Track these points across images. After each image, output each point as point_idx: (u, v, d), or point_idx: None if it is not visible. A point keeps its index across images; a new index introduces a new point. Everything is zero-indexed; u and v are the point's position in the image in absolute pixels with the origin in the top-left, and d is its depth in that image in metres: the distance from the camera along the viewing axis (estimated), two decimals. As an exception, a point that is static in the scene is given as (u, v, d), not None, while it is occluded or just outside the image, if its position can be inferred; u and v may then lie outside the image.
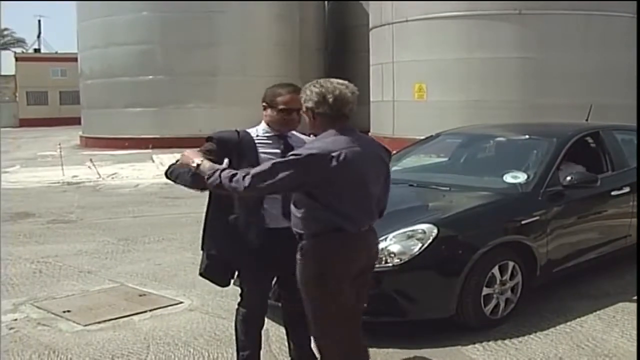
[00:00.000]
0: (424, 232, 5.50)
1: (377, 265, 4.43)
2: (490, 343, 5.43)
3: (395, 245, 5.43)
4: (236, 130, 4.43)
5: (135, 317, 6.24)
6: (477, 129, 9.12)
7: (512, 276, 5.93)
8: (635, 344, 5.38)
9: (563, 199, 6.45)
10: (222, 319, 6.08)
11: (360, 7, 31.31)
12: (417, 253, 5.36)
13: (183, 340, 5.62)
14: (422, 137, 8.69)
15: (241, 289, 4.53)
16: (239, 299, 4.55)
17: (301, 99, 4.00)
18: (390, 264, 5.36)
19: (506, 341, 5.46)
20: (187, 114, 27.06)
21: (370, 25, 25.75)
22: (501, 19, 21.07)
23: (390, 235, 5.43)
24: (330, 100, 3.85)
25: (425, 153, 8.27)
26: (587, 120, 8.67)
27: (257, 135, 4.39)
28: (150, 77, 28.21)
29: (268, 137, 4.38)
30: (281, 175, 3.72)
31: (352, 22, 32.34)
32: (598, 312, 6.14)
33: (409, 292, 5.49)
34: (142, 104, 28.02)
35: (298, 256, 3.95)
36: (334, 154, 3.74)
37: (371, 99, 24.63)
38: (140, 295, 6.90)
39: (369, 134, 20.11)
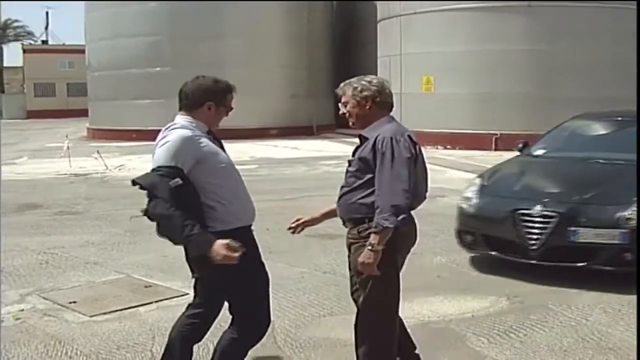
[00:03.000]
0: None
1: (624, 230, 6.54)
2: (495, 335, 5.43)
3: None
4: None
5: (141, 308, 6.26)
6: (609, 114, 9.98)
7: None
8: (640, 337, 5.38)
9: None
10: (226, 309, 6.07)
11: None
12: None
13: (188, 331, 5.61)
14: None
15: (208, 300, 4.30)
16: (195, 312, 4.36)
17: (350, 90, 4.24)
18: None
19: (511, 334, 5.46)
20: (195, 106, 27.03)
21: (378, 18, 25.71)
22: (510, 11, 21.01)
23: None
24: (387, 90, 4.26)
25: (560, 137, 9.20)
26: None
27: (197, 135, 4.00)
28: (158, 69, 28.23)
29: (204, 135, 4.04)
30: (405, 170, 3.97)
31: (360, 14, 32.25)
32: (603, 305, 6.13)
33: None
34: (150, 96, 28.03)
35: (360, 240, 4.09)
36: (409, 135, 4.12)
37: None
38: (146, 287, 6.92)
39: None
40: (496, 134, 20.91)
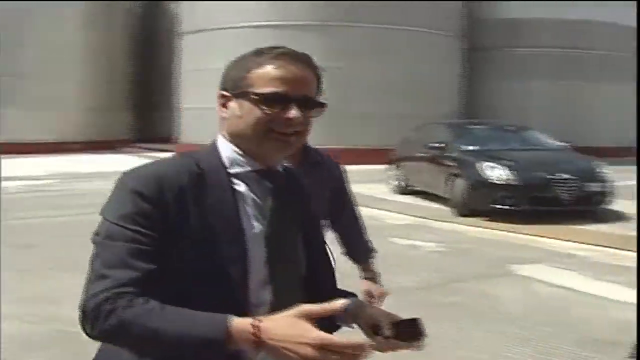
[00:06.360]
0: None
1: None
2: None
3: None
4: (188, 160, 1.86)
5: None
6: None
7: None
8: None
9: None
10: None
11: (171, 13, 31.15)
12: None
13: None
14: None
15: None
16: None
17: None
18: None
19: None
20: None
21: (181, 31, 25.86)
22: (307, 30, 21.84)
23: None
24: None
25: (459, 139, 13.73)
26: None
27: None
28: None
29: (246, 175, 1.85)
30: None
31: (163, 28, 32.06)
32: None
33: None
34: None
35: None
36: None
37: (183, 106, 25.18)
38: None
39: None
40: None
